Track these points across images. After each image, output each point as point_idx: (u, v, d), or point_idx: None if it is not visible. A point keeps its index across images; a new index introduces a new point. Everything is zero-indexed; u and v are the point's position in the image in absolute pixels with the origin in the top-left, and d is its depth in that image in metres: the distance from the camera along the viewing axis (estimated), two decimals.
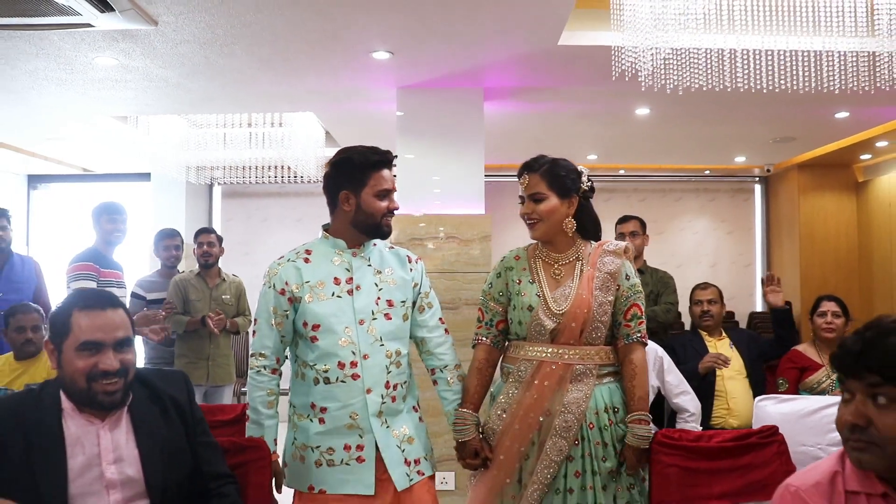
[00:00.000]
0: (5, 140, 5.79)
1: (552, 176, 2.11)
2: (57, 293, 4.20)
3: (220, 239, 4.37)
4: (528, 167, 2.16)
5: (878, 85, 3.19)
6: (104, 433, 1.67)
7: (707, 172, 7.62)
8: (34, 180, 7.51)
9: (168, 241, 4.36)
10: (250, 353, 2.08)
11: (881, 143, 5.94)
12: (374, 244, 2.15)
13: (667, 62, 3.07)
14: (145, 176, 7.05)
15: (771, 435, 2.22)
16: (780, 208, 7.61)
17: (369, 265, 2.10)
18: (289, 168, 5.89)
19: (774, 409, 2.79)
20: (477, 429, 2.13)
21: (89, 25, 3.05)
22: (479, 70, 3.89)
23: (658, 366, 3.07)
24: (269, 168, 6.05)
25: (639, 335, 2.12)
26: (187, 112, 4.95)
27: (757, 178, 7.85)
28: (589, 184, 2.17)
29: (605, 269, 2.10)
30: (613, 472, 2.04)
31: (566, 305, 2.07)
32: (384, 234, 2.11)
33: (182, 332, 4.12)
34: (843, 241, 7.07)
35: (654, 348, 3.07)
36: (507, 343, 2.21)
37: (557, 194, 2.10)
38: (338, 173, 2.08)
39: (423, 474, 2.07)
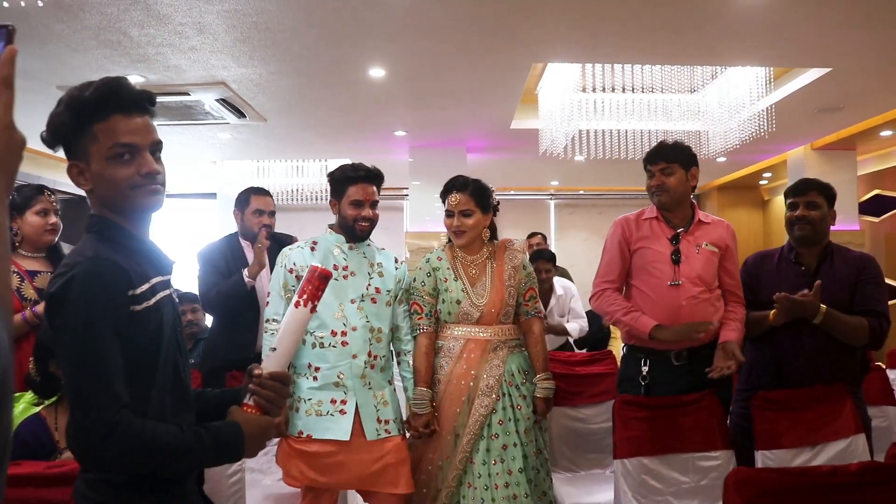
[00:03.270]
0: None
1: (478, 196, 2.47)
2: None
3: None
4: (457, 187, 2.49)
5: (709, 154, 5.24)
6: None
7: None
8: None
9: None
10: (264, 319, 2.46)
11: (767, 174, 7.98)
12: (368, 244, 2.47)
13: (573, 141, 5.12)
14: (212, 195, 9.06)
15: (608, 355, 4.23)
16: None
17: (364, 258, 2.44)
18: (326, 190, 7.92)
19: None
20: (431, 404, 2.43)
21: (226, 123, 5.12)
22: (462, 139, 5.99)
23: (570, 296, 4.61)
24: (309, 190, 8.09)
25: (536, 311, 2.56)
26: (263, 158, 7.06)
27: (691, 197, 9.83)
28: (496, 201, 2.59)
29: (510, 263, 2.54)
30: (529, 418, 2.46)
31: (485, 297, 2.47)
32: (357, 236, 2.41)
33: None
34: (751, 248, 9.02)
35: (569, 286, 4.61)
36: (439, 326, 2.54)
37: (481, 210, 2.48)
38: (330, 185, 2.46)
39: (391, 433, 2.36)
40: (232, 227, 8.24)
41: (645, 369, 2.60)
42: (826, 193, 2.75)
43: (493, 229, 2.58)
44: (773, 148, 6.50)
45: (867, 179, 6.70)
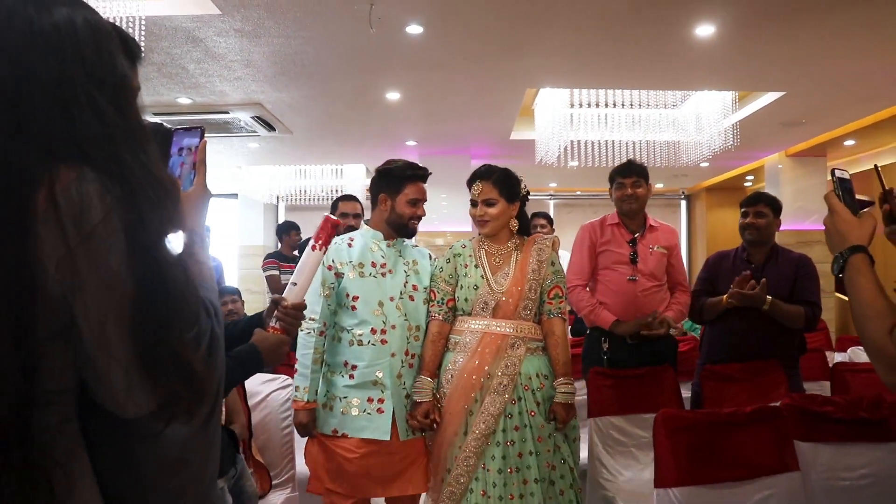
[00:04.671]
0: None
1: (502, 184, 2.38)
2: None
3: None
4: (481, 176, 2.41)
5: (687, 162, 5.86)
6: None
7: None
8: None
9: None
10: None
11: (750, 177, 8.58)
12: (404, 241, 2.45)
13: (565, 151, 5.75)
14: (233, 195, 9.71)
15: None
16: (695, 220, 10.25)
17: (400, 256, 2.41)
18: (340, 190, 8.56)
19: None
20: (432, 393, 2.32)
21: (258, 135, 5.75)
22: (467, 147, 6.62)
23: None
24: (323, 190, 8.72)
25: (559, 311, 2.42)
26: (284, 164, 7.70)
27: (682, 196, 10.46)
28: (526, 190, 2.49)
29: (537, 257, 2.42)
30: (544, 426, 2.32)
31: (505, 285, 2.37)
32: (409, 233, 2.41)
33: None
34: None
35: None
36: (454, 318, 2.44)
37: (506, 199, 2.38)
38: (380, 180, 2.40)
39: (416, 434, 2.33)
40: (248, 224, 8.80)
41: (605, 346, 3.22)
42: (773, 206, 3.36)
43: (522, 220, 2.49)
44: (751, 155, 7.11)
45: None
